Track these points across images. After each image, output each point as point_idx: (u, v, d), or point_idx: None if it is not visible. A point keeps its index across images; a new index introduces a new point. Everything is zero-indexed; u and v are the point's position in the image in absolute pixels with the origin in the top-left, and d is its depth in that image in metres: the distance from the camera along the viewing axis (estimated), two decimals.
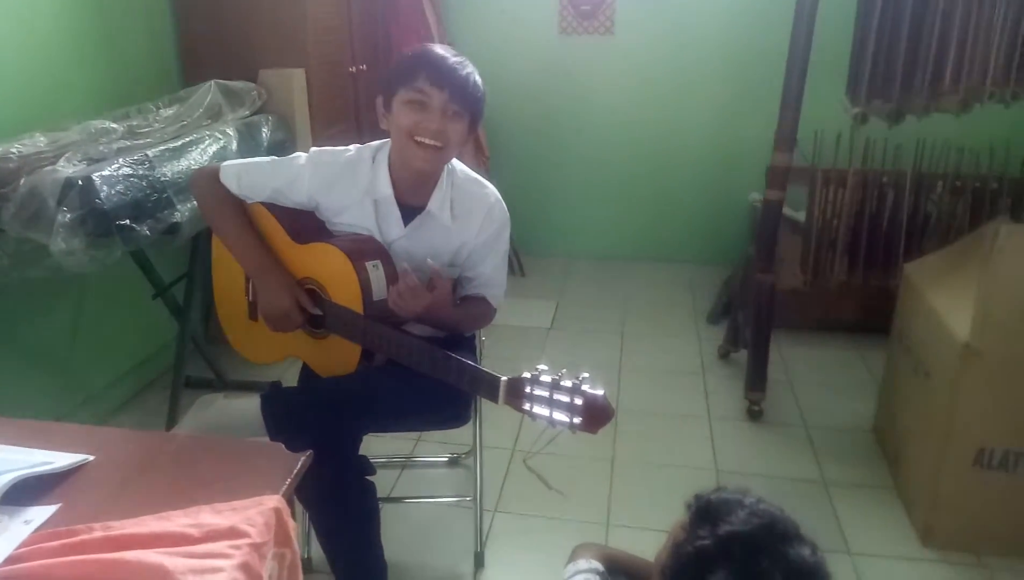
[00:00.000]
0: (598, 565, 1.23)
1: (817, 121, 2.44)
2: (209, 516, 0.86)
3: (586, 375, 1.26)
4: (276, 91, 2.78)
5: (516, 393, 1.32)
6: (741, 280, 3.04)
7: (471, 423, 1.88)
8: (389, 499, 2.18)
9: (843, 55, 2.30)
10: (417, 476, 2.34)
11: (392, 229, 1.65)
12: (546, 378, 1.28)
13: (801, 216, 2.72)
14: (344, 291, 1.56)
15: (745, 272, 2.94)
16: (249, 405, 1.52)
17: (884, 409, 2.44)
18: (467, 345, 1.84)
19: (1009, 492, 1.89)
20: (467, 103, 1.55)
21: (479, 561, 1.95)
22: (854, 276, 2.58)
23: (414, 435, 2.48)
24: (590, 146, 3.94)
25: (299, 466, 0.97)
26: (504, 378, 1.34)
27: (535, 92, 3.87)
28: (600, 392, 1.24)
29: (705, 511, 0.97)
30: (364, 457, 1.59)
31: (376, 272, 1.56)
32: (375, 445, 2.36)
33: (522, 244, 3.93)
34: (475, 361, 1.82)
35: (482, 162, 3.59)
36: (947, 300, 2.01)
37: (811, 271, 2.61)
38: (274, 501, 0.89)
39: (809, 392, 2.78)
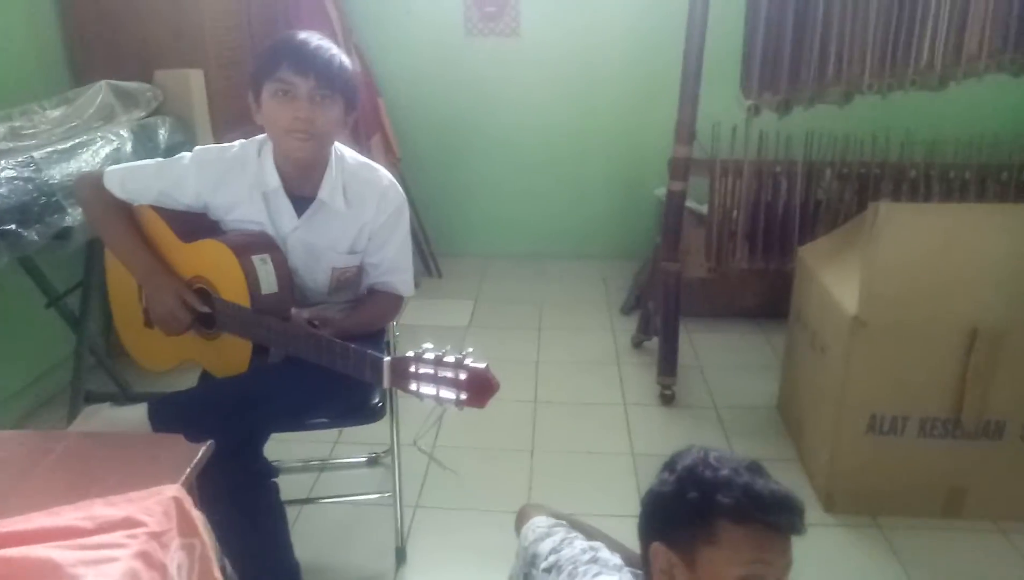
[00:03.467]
0: (557, 520, 1.27)
1: (715, 115, 2.55)
2: (102, 508, 0.83)
3: (470, 350, 1.26)
4: (173, 92, 2.68)
5: (401, 373, 1.30)
6: (650, 271, 3.13)
7: (389, 421, 1.87)
8: (308, 501, 2.15)
9: (736, 52, 2.41)
10: (337, 477, 2.30)
11: (285, 222, 1.62)
12: (429, 355, 1.27)
13: (705, 209, 2.82)
14: (232, 287, 1.53)
15: (654, 263, 3.03)
16: (137, 413, 1.46)
17: (786, 386, 2.56)
18: (375, 343, 1.82)
19: (899, 455, 2.02)
20: (335, 86, 1.51)
21: (401, 557, 1.94)
22: (754, 262, 2.70)
23: (332, 437, 2.44)
24: (501, 146, 3.98)
25: (200, 455, 0.95)
26: (387, 358, 1.33)
27: (444, 93, 3.88)
28: (483, 365, 1.23)
29: (669, 462, 1.08)
30: (265, 458, 1.55)
31: (265, 266, 1.53)
32: (293, 448, 2.32)
33: (437, 245, 3.93)
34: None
35: (393, 163, 3.57)
36: (837, 278, 2.13)
37: (715, 259, 2.72)
38: (173, 490, 0.87)
39: (718, 375, 2.89)
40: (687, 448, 1.08)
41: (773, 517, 0.98)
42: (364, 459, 2.35)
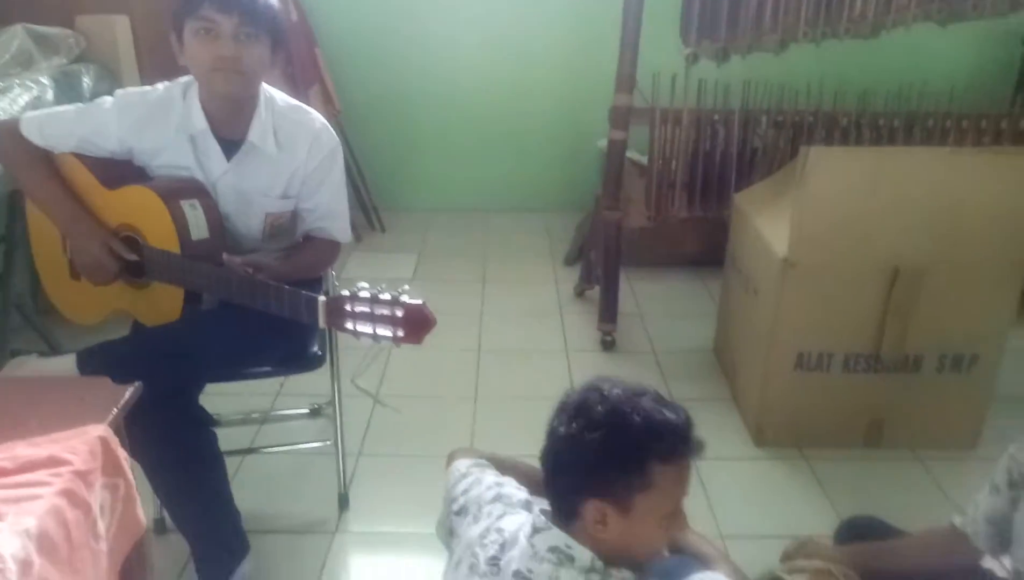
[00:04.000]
0: (477, 460, 1.27)
1: (655, 65, 2.55)
2: (24, 449, 0.82)
3: (406, 287, 1.26)
4: (97, 39, 2.57)
5: (337, 312, 1.30)
6: (592, 221, 3.16)
7: (330, 371, 1.87)
8: (249, 450, 2.14)
9: (676, 0, 2.42)
10: (279, 429, 2.29)
11: (214, 165, 1.59)
12: (365, 294, 1.26)
13: (646, 159, 2.85)
14: (161, 234, 1.49)
15: (595, 213, 3.06)
16: (66, 363, 1.42)
17: (721, 329, 2.64)
18: (314, 290, 1.80)
19: (824, 390, 2.12)
20: (260, 23, 1.47)
21: (344, 502, 1.96)
22: (693, 210, 2.74)
23: (273, 389, 2.43)
24: (443, 100, 3.93)
25: (127, 396, 0.94)
26: (322, 298, 1.32)
27: (384, 45, 3.79)
28: (419, 301, 1.24)
29: (572, 410, 1.04)
30: (202, 407, 1.54)
31: (194, 212, 1.50)
32: (233, 402, 2.30)
33: (380, 199, 3.89)
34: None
35: (333, 115, 3.49)
36: (770, 222, 2.19)
37: (654, 207, 2.75)
38: (99, 430, 0.86)
39: (657, 321, 2.96)
40: (582, 391, 1.04)
41: (693, 448, 1.01)
42: (306, 410, 2.35)
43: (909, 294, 1.98)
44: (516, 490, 1.16)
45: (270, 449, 2.17)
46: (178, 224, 1.48)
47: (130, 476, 0.89)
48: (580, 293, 3.17)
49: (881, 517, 1.58)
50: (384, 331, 1.25)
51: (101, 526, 0.82)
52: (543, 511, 1.04)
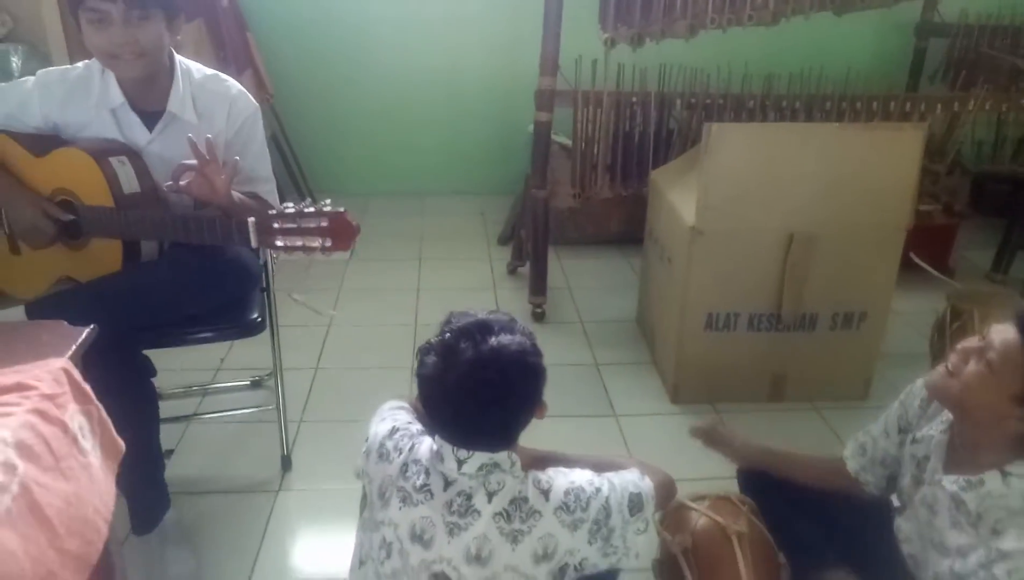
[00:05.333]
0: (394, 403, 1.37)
1: (577, 49, 2.70)
2: None
3: (327, 201, 1.36)
4: (24, 19, 2.58)
5: (266, 230, 1.39)
6: (523, 200, 3.31)
7: (270, 341, 1.97)
8: (194, 415, 2.23)
9: None
10: (221, 400, 2.37)
11: (137, 136, 1.66)
12: (290, 209, 1.37)
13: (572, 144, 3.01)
14: (94, 191, 1.56)
15: (525, 192, 3.20)
16: (14, 316, 1.49)
17: (642, 299, 2.82)
18: (250, 269, 1.86)
19: (732, 349, 2.31)
20: (147, 3, 1.50)
21: (286, 464, 2.06)
22: (615, 187, 2.91)
23: (214, 364, 2.50)
24: (376, 86, 4.00)
25: (84, 336, 1.02)
26: (252, 218, 1.41)
27: (316, 32, 3.84)
28: (341, 209, 1.35)
29: (445, 320, 1.17)
30: (146, 357, 1.62)
31: (124, 167, 1.56)
32: (174, 377, 2.36)
33: (316, 183, 3.95)
34: (264, 271, 1.90)
35: (266, 99, 3.54)
36: (682, 195, 2.37)
37: (579, 185, 2.91)
38: (61, 362, 0.95)
39: (584, 295, 3.13)
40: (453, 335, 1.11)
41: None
42: (247, 382, 2.43)
43: (803, 258, 2.19)
44: (408, 423, 1.26)
45: (214, 414, 2.25)
46: (109, 179, 1.54)
47: (99, 404, 0.98)
48: (512, 270, 3.31)
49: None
50: (313, 242, 1.35)
51: (85, 445, 0.90)
52: (443, 437, 1.14)
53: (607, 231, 3.56)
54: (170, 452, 1.93)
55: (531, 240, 2.96)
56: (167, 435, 1.79)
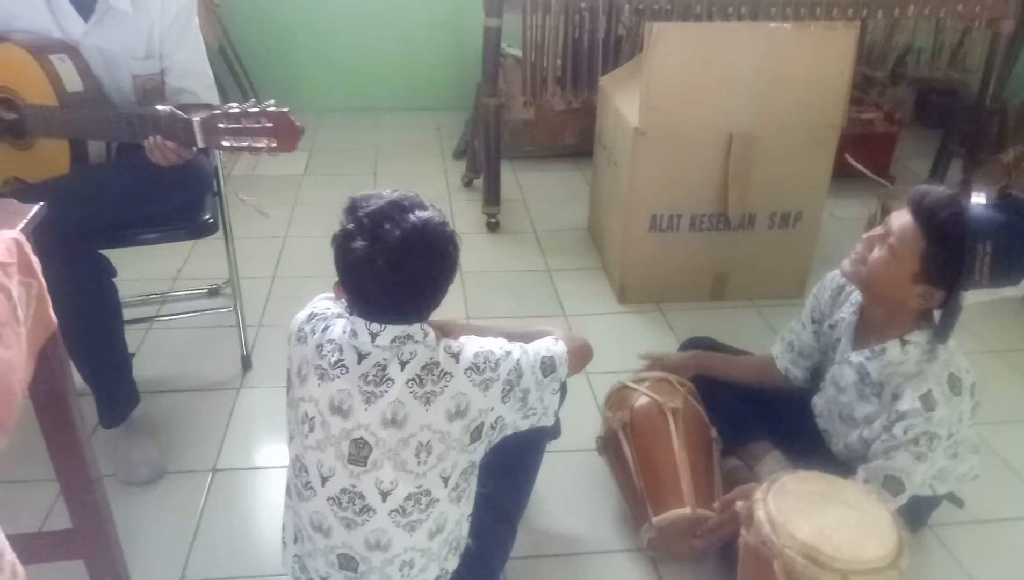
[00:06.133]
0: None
1: None
2: None
3: (272, 101, 1.39)
4: None
5: (212, 130, 1.42)
6: (475, 111, 3.32)
7: (225, 251, 2.00)
8: (154, 319, 2.28)
9: None
10: (179, 308, 2.40)
11: (72, 26, 1.64)
12: (235, 110, 1.40)
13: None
14: (35, 89, 1.55)
15: (477, 102, 3.22)
16: None
17: (593, 207, 2.90)
18: (204, 177, 1.88)
19: (675, 249, 2.41)
20: None
21: (247, 364, 2.13)
22: (566, 95, 2.94)
23: (171, 274, 2.53)
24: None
25: (34, 211, 1.06)
26: (196, 117, 1.44)
27: None
28: (285, 109, 1.38)
29: (352, 206, 1.16)
30: (104, 256, 1.65)
31: (64, 65, 1.56)
32: (131, 286, 2.39)
33: (268, 98, 3.88)
34: (213, 182, 1.92)
35: (211, 10, 3.45)
36: (628, 99, 2.42)
37: (530, 93, 2.93)
38: (13, 233, 0.99)
39: (538, 206, 3.20)
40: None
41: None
42: (205, 290, 2.46)
43: (743, 158, 2.27)
44: (327, 309, 1.30)
45: (173, 316, 2.29)
46: (51, 77, 1.54)
47: (42, 280, 1.02)
48: (468, 183, 3.35)
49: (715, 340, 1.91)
50: (258, 143, 1.39)
51: (20, 314, 0.96)
52: (361, 314, 1.19)
53: (561, 144, 3.59)
54: (132, 355, 1.98)
55: (483, 149, 2.99)
56: (128, 339, 1.82)
